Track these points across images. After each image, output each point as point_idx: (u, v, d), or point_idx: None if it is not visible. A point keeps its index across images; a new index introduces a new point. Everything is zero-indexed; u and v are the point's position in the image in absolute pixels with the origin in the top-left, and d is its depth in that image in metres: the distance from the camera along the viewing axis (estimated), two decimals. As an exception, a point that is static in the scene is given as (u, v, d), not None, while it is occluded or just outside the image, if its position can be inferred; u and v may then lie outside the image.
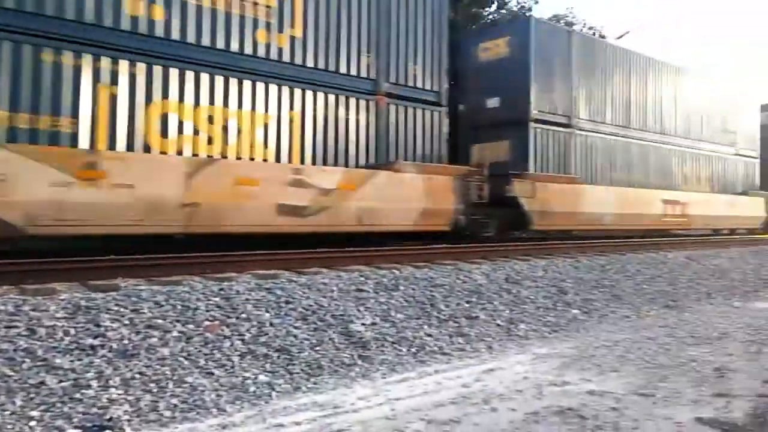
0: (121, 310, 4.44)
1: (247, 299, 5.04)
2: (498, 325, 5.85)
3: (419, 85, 10.12)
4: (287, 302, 5.13)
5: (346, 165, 9.00)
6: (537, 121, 11.96)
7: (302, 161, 8.55)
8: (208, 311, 4.73)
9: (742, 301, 8.22)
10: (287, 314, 4.93)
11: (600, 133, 13.49)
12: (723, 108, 17.50)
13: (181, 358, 3.97)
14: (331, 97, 8.94)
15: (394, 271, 6.63)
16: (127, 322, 4.26)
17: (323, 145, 8.83)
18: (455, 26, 13.54)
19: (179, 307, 4.72)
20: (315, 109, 8.75)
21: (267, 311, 4.91)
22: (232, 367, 4.03)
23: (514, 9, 22.19)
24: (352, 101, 9.18)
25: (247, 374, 3.97)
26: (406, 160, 9.65)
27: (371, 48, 9.41)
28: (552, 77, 12.31)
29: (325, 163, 8.78)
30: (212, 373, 3.86)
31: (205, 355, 4.11)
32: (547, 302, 6.80)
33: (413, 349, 4.90)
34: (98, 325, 4.12)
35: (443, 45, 10.57)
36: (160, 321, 4.38)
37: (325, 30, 8.85)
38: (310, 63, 8.67)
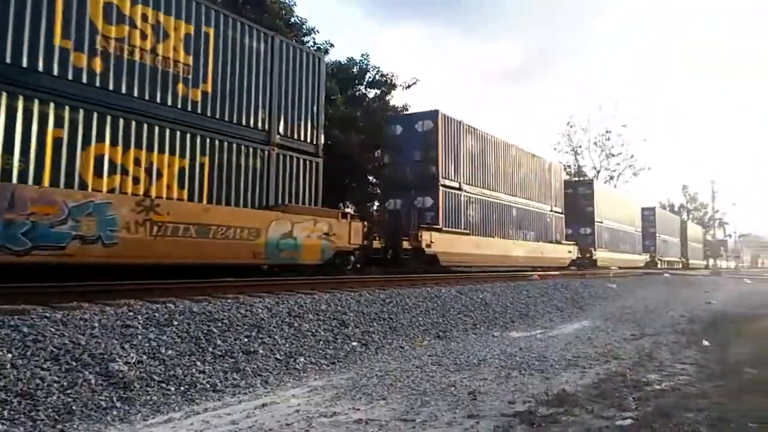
0: None
1: (-17, 338, 4.36)
2: (277, 359, 5.79)
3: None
4: (36, 341, 4.53)
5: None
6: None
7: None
8: (-72, 353, 4.00)
9: (500, 331, 9.15)
10: (34, 354, 4.35)
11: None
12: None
13: None
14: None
15: (169, 305, 6.22)
16: None
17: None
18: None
19: None
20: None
21: (9, 351, 4.29)
22: (-44, 418, 3.45)
23: (312, 47, 22.82)
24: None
25: (-26, 425, 3.43)
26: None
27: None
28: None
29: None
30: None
31: None
32: (328, 335, 6.90)
33: (183, 388, 4.64)
34: None
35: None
36: None
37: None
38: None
